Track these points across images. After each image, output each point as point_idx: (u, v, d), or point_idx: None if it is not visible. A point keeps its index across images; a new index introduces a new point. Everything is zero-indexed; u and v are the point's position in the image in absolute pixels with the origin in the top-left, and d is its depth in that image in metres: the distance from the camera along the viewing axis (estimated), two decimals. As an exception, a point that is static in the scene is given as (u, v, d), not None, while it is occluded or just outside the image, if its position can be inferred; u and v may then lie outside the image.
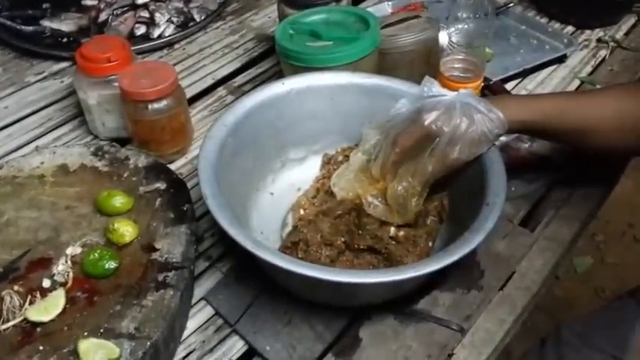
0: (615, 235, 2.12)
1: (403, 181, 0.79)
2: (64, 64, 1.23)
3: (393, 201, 0.79)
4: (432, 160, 0.76)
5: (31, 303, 0.70)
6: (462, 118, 0.74)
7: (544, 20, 1.34)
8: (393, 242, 0.78)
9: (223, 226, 0.67)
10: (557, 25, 1.32)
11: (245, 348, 0.75)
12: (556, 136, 0.82)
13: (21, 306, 0.69)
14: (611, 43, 1.26)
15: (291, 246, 0.78)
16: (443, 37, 1.04)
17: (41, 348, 0.66)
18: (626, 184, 2.10)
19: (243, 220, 0.81)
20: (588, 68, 1.21)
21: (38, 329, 0.68)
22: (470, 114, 0.74)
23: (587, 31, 1.31)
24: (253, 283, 0.79)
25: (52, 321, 0.68)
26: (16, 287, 0.71)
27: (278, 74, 1.14)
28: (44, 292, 0.71)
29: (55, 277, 0.73)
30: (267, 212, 0.87)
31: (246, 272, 0.80)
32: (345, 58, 0.93)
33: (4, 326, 0.68)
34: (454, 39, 0.99)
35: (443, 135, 0.74)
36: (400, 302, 0.77)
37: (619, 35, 1.30)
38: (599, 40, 1.28)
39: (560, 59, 1.21)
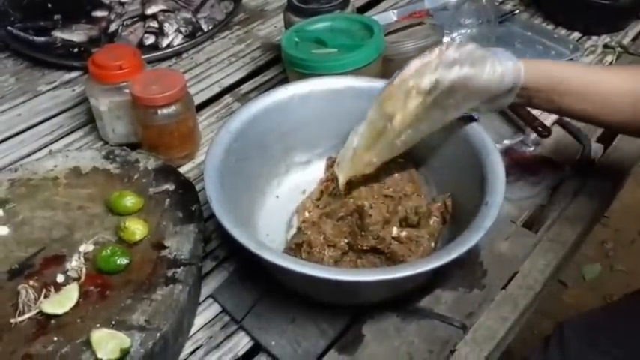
0: (624, 243, 2.12)
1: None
2: (75, 74, 1.26)
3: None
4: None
5: (45, 297, 0.72)
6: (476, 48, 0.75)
7: (550, 27, 1.34)
8: (396, 242, 0.79)
9: (227, 227, 0.69)
10: (563, 32, 1.33)
11: (251, 344, 0.77)
12: (573, 101, 0.78)
13: (36, 299, 0.72)
14: (618, 49, 1.27)
15: (295, 247, 0.79)
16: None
17: (55, 339, 0.68)
18: (636, 191, 2.10)
19: (249, 223, 0.83)
20: (594, 74, 1.22)
21: (53, 321, 0.70)
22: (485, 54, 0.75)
23: (594, 37, 1.31)
24: (258, 281, 0.81)
25: (65, 313, 0.71)
26: (31, 282, 0.74)
27: (283, 82, 1.15)
28: (58, 287, 0.74)
29: (69, 273, 0.76)
30: (273, 215, 0.89)
31: (252, 271, 0.82)
32: (349, 65, 0.94)
33: (20, 318, 0.70)
34: (457, 44, 1.01)
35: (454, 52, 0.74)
36: (403, 300, 0.79)
37: (626, 41, 1.30)
38: (605, 46, 1.28)
39: (566, 65, 1.22)
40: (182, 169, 1.00)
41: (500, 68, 0.74)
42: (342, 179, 0.86)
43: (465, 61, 0.74)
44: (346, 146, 0.85)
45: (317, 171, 0.95)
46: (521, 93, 0.77)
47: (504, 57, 0.75)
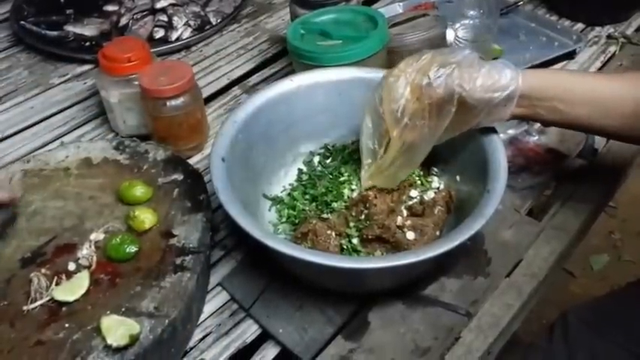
0: (632, 234, 2.12)
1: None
2: (86, 67, 1.28)
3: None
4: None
5: (57, 284, 0.74)
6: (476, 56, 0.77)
7: (554, 18, 1.34)
8: (400, 231, 0.79)
9: (233, 217, 0.70)
10: (567, 23, 1.33)
11: (259, 331, 0.78)
12: (577, 109, 0.77)
13: (48, 287, 0.73)
14: (621, 40, 1.27)
15: (300, 236, 0.80)
16: (450, 34, 1.07)
17: (67, 325, 0.70)
18: (643, 183, 2.10)
19: (257, 212, 0.84)
20: (597, 64, 1.21)
21: (64, 308, 0.72)
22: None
23: (597, 28, 1.31)
24: (266, 270, 0.82)
25: (76, 301, 0.72)
26: (43, 270, 0.76)
27: (291, 73, 1.15)
28: (69, 275, 0.75)
29: (80, 261, 0.77)
30: (281, 204, 0.90)
31: (259, 260, 0.83)
32: (353, 57, 0.95)
33: (32, 305, 0.72)
34: (460, 34, 1.01)
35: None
36: (408, 288, 0.79)
37: (629, 31, 1.30)
38: (609, 37, 1.28)
39: (570, 55, 1.21)
40: (191, 160, 1.02)
41: (497, 73, 0.74)
42: (365, 185, 0.86)
43: (462, 63, 0.75)
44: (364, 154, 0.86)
45: (323, 161, 0.95)
46: (523, 103, 0.76)
47: (503, 65, 0.75)
